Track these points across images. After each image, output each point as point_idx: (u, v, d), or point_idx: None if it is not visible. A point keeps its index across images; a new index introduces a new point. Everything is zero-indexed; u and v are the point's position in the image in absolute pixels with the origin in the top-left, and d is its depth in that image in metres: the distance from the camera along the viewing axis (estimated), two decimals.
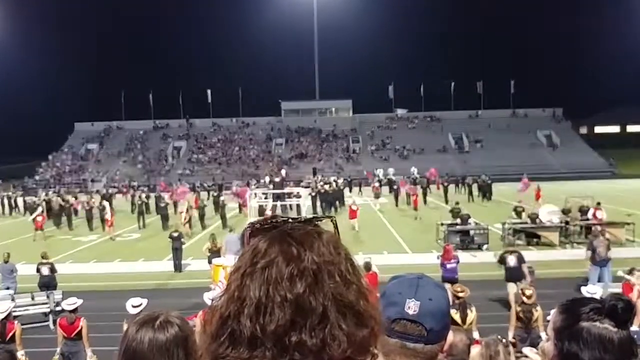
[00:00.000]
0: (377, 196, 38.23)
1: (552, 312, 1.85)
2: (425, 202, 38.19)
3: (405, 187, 37.91)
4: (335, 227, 1.22)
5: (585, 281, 14.58)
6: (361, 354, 1.11)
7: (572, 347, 1.69)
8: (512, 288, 13.37)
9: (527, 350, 6.30)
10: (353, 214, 26.66)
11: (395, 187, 40.07)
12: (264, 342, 1.05)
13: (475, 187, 42.21)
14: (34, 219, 29.62)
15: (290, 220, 1.20)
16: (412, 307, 1.43)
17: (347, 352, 1.07)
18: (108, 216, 28.01)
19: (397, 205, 37.25)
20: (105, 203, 31.61)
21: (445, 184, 41.30)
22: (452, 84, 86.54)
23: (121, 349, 1.99)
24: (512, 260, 14.00)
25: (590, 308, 1.71)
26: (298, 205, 31.76)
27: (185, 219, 26.67)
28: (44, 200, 38.44)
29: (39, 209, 32.84)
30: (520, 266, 13.88)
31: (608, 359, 1.65)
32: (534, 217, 22.48)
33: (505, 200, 35.86)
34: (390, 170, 55.67)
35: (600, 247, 15.11)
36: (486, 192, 41.09)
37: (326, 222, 1.23)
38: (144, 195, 34.99)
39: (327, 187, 37.61)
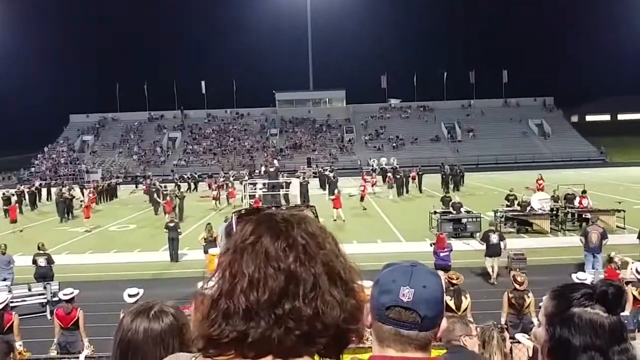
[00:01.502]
0: (390, 186, 38.20)
1: (544, 298, 1.86)
2: (407, 191, 38.77)
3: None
4: (315, 214, 1.31)
5: (576, 267, 14.73)
6: (352, 323, 1.18)
7: (563, 332, 1.70)
8: (490, 262, 15.65)
9: (519, 336, 6.40)
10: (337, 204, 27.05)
11: (398, 176, 40.13)
12: (258, 313, 1.11)
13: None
14: (5, 211, 30.03)
15: (274, 207, 1.29)
16: (406, 294, 1.44)
17: (339, 318, 1.14)
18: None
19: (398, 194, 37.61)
20: (77, 193, 31.86)
21: (421, 172, 41.69)
22: (445, 73, 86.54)
23: (116, 339, 1.98)
24: (494, 238, 15.77)
25: (581, 294, 1.72)
26: (286, 195, 31.81)
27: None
28: (24, 190, 38.74)
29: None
30: (500, 243, 15.69)
31: (599, 344, 1.67)
32: (524, 205, 22.66)
33: (487, 186, 36.05)
34: (383, 160, 55.71)
35: (593, 234, 15.26)
36: (457, 182, 41.25)
37: (307, 210, 1.31)
38: (157, 184, 35.29)
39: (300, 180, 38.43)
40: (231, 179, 42.90)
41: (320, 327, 1.13)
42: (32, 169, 70.16)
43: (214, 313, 1.14)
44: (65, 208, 31.75)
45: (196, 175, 53.49)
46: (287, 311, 1.10)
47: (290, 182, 34.71)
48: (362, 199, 31.65)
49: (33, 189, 40.71)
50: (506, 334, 5.48)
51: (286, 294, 1.11)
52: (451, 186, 40.43)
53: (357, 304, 1.20)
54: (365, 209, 30.63)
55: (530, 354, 5.83)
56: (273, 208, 1.57)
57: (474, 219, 21.87)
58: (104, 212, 32.90)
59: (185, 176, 52.95)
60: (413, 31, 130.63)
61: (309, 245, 1.16)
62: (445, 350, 4.51)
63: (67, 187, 38.94)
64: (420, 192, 39.02)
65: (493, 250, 15.67)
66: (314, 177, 50.12)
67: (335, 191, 29.45)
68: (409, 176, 40.93)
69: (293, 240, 1.15)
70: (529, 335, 6.33)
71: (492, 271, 15.56)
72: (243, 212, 1.27)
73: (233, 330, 1.11)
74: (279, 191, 31.35)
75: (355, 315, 1.19)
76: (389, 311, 1.44)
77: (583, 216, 22.10)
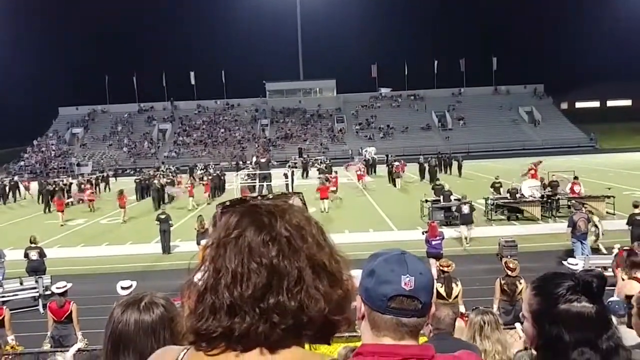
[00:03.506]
0: (397, 176, 37.91)
1: (527, 292, 1.88)
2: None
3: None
4: (303, 202, 1.31)
5: (566, 254, 14.84)
6: (338, 314, 1.18)
7: (553, 330, 1.72)
8: (464, 229, 18.51)
9: (518, 329, 6.34)
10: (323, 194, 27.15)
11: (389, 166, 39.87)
12: (242, 308, 1.11)
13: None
14: None
15: (259, 197, 1.29)
16: (408, 283, 1.46)
17: (324, 311, 1.14)
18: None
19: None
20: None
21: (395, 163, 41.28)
22: (435, 62, 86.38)
23: (107, 331, 1.98)
24: (466, 209, 18.68)
25: (566, 289, 1.73)
26: (269, 186, 31.76)
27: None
28: None
29: None
30: (471, 213, 18.62)
31: (589, 337, 1.69)
32: (513, 192, 22.75)
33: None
34: (372, 150, 55.42)
35: (581, 222, 15.36)
36: (432, 173, 40.12)
37: (295, 198, 1.32)
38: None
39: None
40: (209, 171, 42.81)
41: (306, 320, 1.13)
42: (22, 163, 69.75)
43: (200, 307, 1.15)
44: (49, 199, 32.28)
45: (172, 168, 52.91)
46: (271, 306, 1.10)
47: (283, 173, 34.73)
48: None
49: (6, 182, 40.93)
50: (499, 319, 5.49)
51: (270, 289, 1.11)
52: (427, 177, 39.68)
53: (344, 294, 1.20)
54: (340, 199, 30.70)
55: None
56: (259, 198, 1.53)
57: None
58: (96, 205, 32.70)
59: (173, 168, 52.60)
60: (403, 20, 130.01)
61: (293, 238, 1.16)
62: (426, 339, 4.56)
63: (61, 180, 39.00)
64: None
65: (465, 219, 18.59)
66: (300, 167, 49.85)
67: (320, 182, 29.54)
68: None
69: (276, 233, 1.15)
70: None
71: (465, 238, 18.39)
72: (228, 203, 1.28)
73: (219, 325, 1.12)
74: (270, 182, 31.24)
75: (342, 305, 1.19)
76: (391, 301, 1.46)
77: (571, 203, 22.19)
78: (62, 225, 26.46)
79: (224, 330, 1.12)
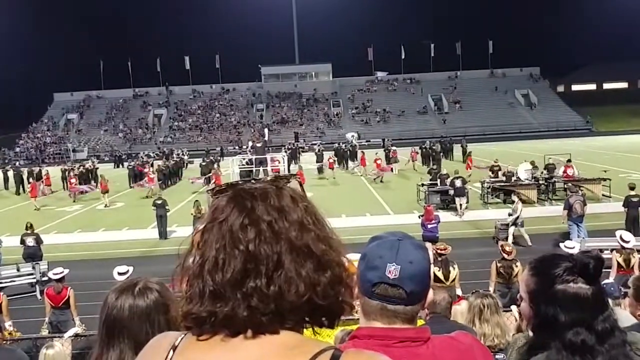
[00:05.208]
0: (395, 161, 37.34)
1: (524, 273, 1.89)
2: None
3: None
4: (300, 185, 1.28)
5: (562, 237, 14.89)
6: (325, 299, 1.15)
7: (549, 310, 1.73)
8: (458, 200, 20.33)
9: (514, 310, 6.38)
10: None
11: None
12: (224, 293, 1.11)
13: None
14: None
15: (251, 180, 1.26)
16: (392, 271, 1.45)
17: (305, 296, 1.12)
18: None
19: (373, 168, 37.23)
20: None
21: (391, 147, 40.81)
22: (432, 45, 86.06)
23: (101, 317, 1.98)
24: (458, 183, 20.35)
25: (563, 269, 1.74)
26: (265, 171, 31.75)
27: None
28: None
29: None
30: (464, 187, 20.34)
31: (585, 318, 1.71)
32: (509, 175, 22.78)
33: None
34: (352, 135, 54.33)
35: (577, 204, 15.40)
36: (437, 159, 39.05)
37: (292, 181, 1.29)
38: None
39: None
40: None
41: (288, 306, 1.11)
42: (17, 149, 69.49)
43: (190, 292, 1.15)
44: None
45: (153, 155, 52.51)
46: (250, 291, 1.10)
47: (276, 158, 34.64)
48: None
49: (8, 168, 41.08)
50: (499, 302, 5.49)
51: (247, 273, 1.10)
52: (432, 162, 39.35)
53: (334, 278, 1.16)
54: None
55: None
56: (252, 182, 1.49)
57: None
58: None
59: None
60: (399, 3, 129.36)
61: (276, 221, 1.14)
62: (423, 322, 4.56)
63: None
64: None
65: (458, 192, 20.32)
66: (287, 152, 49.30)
67: (297, 166, 29.66)
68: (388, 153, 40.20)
69: (257, 217, 1.14)
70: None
71: (460, 208, 20.22)
72: (218, 188, 1.26)
73: (203, 310, 1.12)
74: (266, 167, 31.21)
75: (328, 290, 1.15)
76: (376, 287, 1.46)
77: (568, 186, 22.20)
78: (36, 209, 26.88)
79: (208, 314, 1.12)
